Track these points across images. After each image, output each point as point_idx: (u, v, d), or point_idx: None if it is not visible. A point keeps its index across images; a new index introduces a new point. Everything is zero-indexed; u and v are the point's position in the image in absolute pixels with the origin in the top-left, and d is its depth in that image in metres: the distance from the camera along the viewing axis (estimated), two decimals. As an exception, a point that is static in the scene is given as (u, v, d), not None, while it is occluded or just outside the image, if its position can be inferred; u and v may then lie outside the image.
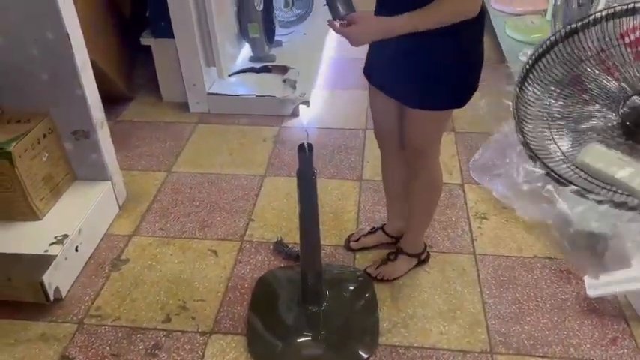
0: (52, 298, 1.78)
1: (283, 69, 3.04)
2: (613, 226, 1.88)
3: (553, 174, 1.03)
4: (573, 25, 1.19)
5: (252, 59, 3.17)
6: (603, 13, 1.14)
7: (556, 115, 1.18)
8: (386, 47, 1.50)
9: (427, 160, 1.71)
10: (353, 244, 2.02)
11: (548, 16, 3.21)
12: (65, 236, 1.89)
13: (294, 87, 2.88)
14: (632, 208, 0.94)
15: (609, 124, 1.07)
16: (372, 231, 2.03)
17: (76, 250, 1.93)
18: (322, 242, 1.93)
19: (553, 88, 1.15)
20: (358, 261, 1.98)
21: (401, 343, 1.69)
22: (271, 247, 2.04)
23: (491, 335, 1.71)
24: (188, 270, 1.96)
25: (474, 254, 2.00)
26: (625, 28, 1.13)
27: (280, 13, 3.45)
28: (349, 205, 2.24)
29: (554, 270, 1.92)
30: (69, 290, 1.87)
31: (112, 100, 2.78)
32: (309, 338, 1.71)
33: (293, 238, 2.05)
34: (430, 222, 1.93)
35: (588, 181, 1.06)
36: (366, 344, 1.69)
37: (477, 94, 1.52)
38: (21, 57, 1.86)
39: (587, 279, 1.78)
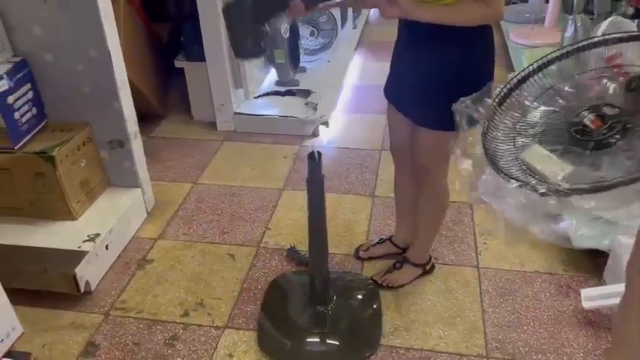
0: (82, 290, 1.94)
1: (306, 93, 3.23)
2: (611, 241, 1.96)
3: (502, 173, 1.17)
4: (557, 53, 1.29)
5: (277, 83, 3.37)
6: (585, 42, 1.24)
7: (524, 125, 1.29)
8: (403, 65, 1.67)
9: (433, 177, 1.82)
10: (362, 254, 2.14)
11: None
12: (97, 235, 2.06)
13: (315, 109, 3.05)
14: (545, 194, 1.08)
15: (562, 132, 1.20)
16: (381, 242, 2.15)
17: (106, 248, 2.10)
18: (333, 251, 2.07)
19: (528, 104, 1.27)
20: (366, 269, 2.10)
21: (401, 345, 1.79)
22: (285, 253, 2.17)
23: (488, 341, 1.79)
24: (207, 271, 2.11)
25: (477, 267, 2.10)
26: (608, 54, 1.23)
27: (306, 41, 3.66)
28: (361, 219, 2.37)
29: (554, 284, 2.00)
30: (98, 284, 2.04)
31: (146, 118, 3.00)
32: (315, 336, 1.83)
33: (306, 246, 2.16)
34: (436, 235, 2.04)
35: (528, 174, 1.20)
36: (368, 344, 1.79)
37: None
38: (67, 72, 2.08)
39: (583, 291, 1.86)
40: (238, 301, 1.97)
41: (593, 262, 2.04)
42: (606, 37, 1.15)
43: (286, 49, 3.24)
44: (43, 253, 1.99)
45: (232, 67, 2.99)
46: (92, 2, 1.92)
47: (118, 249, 2.19)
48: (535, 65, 1.20)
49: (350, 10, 4.14)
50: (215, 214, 2.42)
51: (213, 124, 3.10)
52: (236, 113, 3.07)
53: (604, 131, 1.11)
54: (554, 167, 1.10)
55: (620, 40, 1.15)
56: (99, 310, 1.95)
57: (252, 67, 3.11)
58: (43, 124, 2.15)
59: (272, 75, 3.43)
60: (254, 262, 2.14)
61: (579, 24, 2.73)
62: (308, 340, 1.83)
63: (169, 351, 1.79)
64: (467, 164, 1.27)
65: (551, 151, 1.16)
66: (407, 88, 1.68)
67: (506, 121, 1.21)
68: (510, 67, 3.55)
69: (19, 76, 2.02)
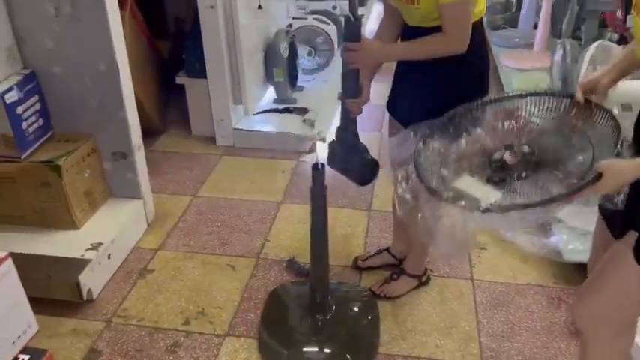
0: (84, 298, 1.97)
1: (303, 110, 3.30)
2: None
3: (436, 194, 1.32)
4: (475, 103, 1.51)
5: (275, 101, 3.44)
6: (494, 97, 1.52)
7: (448, 161, 1.46)
8: (401, 79, 1.79)
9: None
10: (360, 263, 2.19)
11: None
12: (100, 244, 2.10)
13: (312, 126, 3.12)
14: (487, 210, 1.23)
15: (483, 166, 1.39)
16: (379, 252, 2.21)
17: (109, 257, 2.13)
18: (331, 262, 2.11)
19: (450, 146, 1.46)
20: (363, 280, 2.15)
21: (399, 353, 1.84)
22: (284, 264, 2.22)
23: (482, 350, 1.85)
24: (207, 281, 2.15)
25: (471, 280, 2.16)
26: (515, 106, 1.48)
27: (304, 61, 3.75)
28: (358, 232, 2.43)
29: (546, 296, 2.06)
30: (100, 292, 2.07)
31: (145, 133, 3.02)
32: (314, 344, 1.87)
33: (305, 258, 2.22)
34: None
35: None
36: (367, 352, 1.83)
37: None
38: (75, 85, 2.14)
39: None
40: (239, 310, 2.01)
41: (582, 275, 2.07)
42: (508, 94, 1.50)
43: (285, 68, 3.32)
44: (46, 261, 2.02)
45: (232, 84, 3.06)
46: (103, 17, 1.99)
47: (120, 258, 2.22)
48: (453, 113, 1.48)
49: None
50: (215, 225, 2.47)
51: (212, 139, 3.16)
52: (235, 129, 3.13)
53: (519, 166, 1.33)
54: (486, 193, 1.29)
55: (520, 96, 1.45)
56: (101, 318, 1.97)
57: (251, 84, 3.18)
58: (49, 134, 2.20)
59: (270, 93, 3.51)
60: (254, 273, 2.19)
61: (568, 48, 2.84)
62: (307, 348, 1.87)
63: (171, 357, 1.82)
64: (406, 189, 1.44)
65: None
66: (403, 98, 1.82)
67: (432, 159, 1.42)
68: (501, 89, 3.65)
69: (28, 87, 2.08)
